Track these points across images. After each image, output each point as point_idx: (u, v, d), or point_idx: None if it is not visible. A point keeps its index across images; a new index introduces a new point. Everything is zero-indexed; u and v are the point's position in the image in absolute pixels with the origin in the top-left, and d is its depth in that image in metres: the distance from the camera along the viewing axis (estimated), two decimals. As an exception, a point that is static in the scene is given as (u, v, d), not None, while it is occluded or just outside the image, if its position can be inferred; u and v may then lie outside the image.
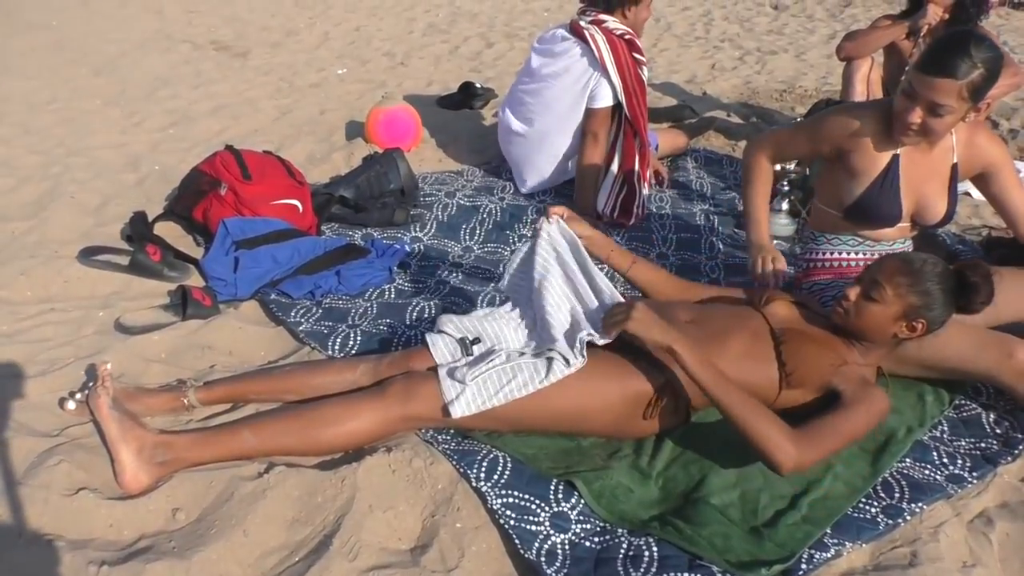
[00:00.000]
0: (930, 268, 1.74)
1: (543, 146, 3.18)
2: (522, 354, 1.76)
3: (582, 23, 2.94)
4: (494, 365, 1.72)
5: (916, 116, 1.88)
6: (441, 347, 1.86)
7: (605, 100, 2.96)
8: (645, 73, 3.00)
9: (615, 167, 3.02)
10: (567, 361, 1.70)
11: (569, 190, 3.22)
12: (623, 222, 3.02)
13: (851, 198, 2.08)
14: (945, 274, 1.75)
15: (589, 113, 3.00)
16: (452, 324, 1.91)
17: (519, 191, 3.32)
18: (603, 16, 2.93)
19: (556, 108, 3.07)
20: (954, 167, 2.05)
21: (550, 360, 1.71)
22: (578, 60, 2.96)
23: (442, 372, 1.74)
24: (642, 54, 2.98)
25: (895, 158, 2.02)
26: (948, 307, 1.76)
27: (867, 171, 2.05)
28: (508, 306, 1.97)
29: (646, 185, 3.07)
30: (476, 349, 1.84)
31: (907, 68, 3.42)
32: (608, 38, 2.90)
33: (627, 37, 2.94)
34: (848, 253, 2.17)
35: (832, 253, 2.18)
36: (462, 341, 1.86)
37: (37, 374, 1.95)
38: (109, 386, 1.70)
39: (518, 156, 3.30)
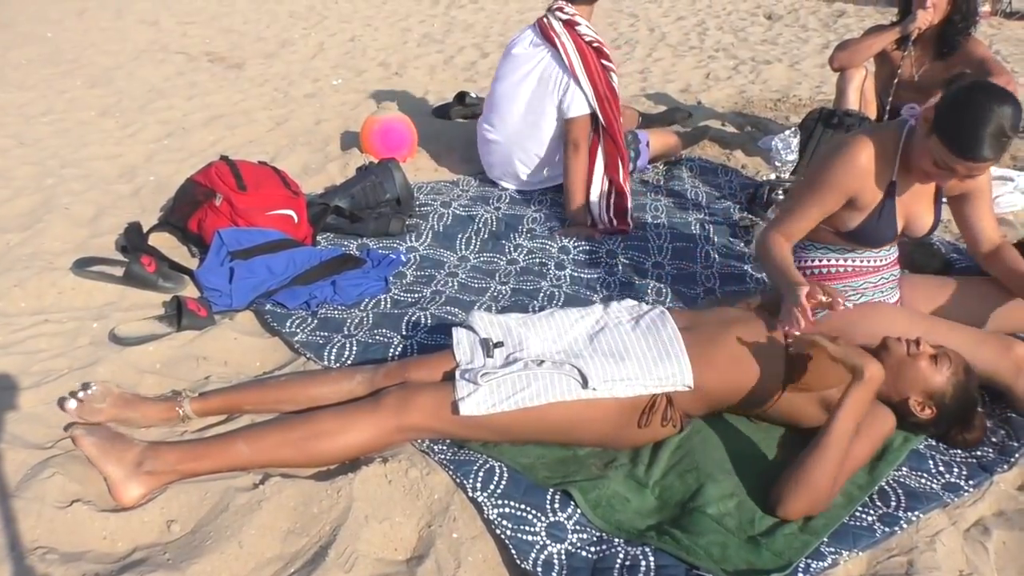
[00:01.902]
0: (974, 390, 1.84)
1: (516, 151, 3.23)
2: (540, 363, 1.76)
3: (554, 24, 2.96)
4: (511, 371, 1.72)
5: (956, 182, 1.92)
6: (465, 346, 1.87)
7: (581, 109, 2.98)
8: (615, 80, 3.03)
9: (601, 175, 3.03)
10: (584, 382, 1.71)
11: (559, 195, 3.22)
12: (623, 228, 3.03)
13: (847, 228, 2.07)
14: (974, 403, 1.85)
15: (567, 123, 3.03)
16: (482, 321, 1.92)
17: (515, 200, 3.33)
18: (577, 19, 2.95)
19: (527, 112, 3.11)
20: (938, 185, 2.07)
21: (565, 375, 1.72)
22: (548, 65, 3.00)
23: (458, 371, 1.76)
24: (611, 61, 3.01)
25: (892, 185, 2.01)
26: (950, 423, 1.84)
27: (868, 205, 2.03)
28: (545, 314, 1.97)
29: (627, 190, 3.08)
30: (497, 352, 1.84)
31: (902, 89, 3.43)
32: (578, 45, 2.93)
33: (595, 44, 2.97)
34: (838, 260, 2.17)
35: (822, 260, 2.18)
36: (485, 342, 1.86)
37: (31, 385, 1.94)
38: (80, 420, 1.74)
39: (493, 162, 3.35)
